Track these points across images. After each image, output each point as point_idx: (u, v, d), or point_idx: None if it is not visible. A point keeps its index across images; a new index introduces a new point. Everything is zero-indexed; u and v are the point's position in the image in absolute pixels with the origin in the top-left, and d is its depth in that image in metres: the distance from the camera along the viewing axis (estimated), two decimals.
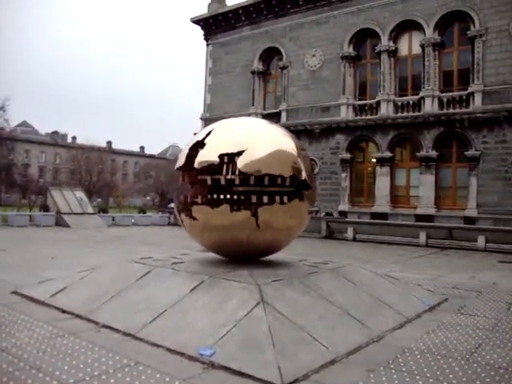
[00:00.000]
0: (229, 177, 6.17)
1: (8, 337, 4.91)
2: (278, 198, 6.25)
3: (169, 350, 4.59)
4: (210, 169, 6.25)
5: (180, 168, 6.70)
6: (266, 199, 6.18)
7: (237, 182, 6.13)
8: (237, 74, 28.16)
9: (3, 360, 4.23)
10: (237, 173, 6.08)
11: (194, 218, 6.45)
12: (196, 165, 6.28)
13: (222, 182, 6.20)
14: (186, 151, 6.59)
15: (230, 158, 6.11)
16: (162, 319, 5.21)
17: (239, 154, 6.02)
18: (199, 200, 6.41)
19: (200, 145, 6.36)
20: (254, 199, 6.16)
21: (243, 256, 6.90)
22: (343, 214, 23.16)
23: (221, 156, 6.11)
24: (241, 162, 5.98)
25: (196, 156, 6.32)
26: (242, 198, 6.22)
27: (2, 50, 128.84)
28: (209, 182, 6.33)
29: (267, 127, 7.00)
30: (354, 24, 23.71)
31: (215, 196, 6.45)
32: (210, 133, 6.42)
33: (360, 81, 24.36)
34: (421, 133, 21.42)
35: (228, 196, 6.31)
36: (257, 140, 6.31)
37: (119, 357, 4.38)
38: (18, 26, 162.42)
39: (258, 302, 5.08)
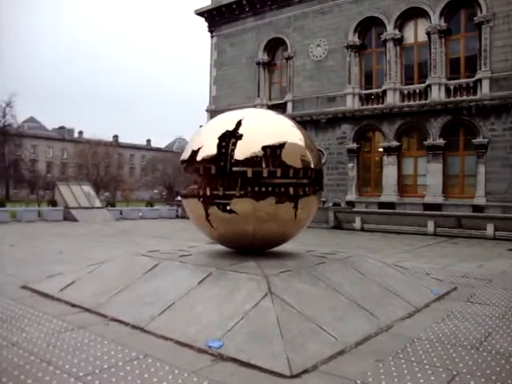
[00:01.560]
0: (270, 169, 6.13)
1: (18, 331, 4.94)
2: (307, 190, 6.44)
3: (177, 342, 4.60)
4: (250, 160, 6.10)
5: (207, 159, 6.26)
6: (301, 191, 6.34)
7: (278, 174, 6.17)
8: (242, 65, 28.06)
9: (14, 354, 4.26)
10: (276, 164, 6.14)
11: (231, 211, 6.16)
12: (238, 156, 6.08)
13: (265, 174, 6.13)
14: (211, 141, 6.23)
15: (271, 150, 6.13)
16: (170, 312, 5.22)
17: (281, 146, 6.12)
18: (237, 193, 6.12)
19: (232, 135, 6.16)
20: (291, 191, 6.25)
21: (258, 248, 6.95)
22: (351, 204, 23.10)
23: (264, 148, 6.08)
24: (284, 155, 6.10)
25: (226, 147, 6.12)
26: (283, 190, 6.22)
27: (9, 46, 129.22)
28: (249, 174, 6.11)
29: (284, 119, 7.00)
30: (358, 13, 23.51)
31: (254, 188, 6.16)
32: (239, 123, 6.22)
33: (366, 70, 24.20)
34: (428, 121, 21.27)
35: (270, 188, 6.17)
36: (290, 133, 6.47)
37: (128, 350, 4.40)
38: (25, 22, 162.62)
39: (266, 294, 5.07)
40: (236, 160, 6.09)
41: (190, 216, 7.06)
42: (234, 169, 6.13)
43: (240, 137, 6.13)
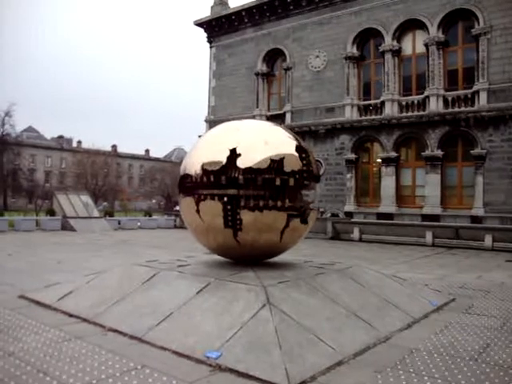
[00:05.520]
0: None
1: (15, 341, 4.92)
2: None
3: (175, 352, 4.58)
4: (313, 174, 6.57)
5: (296, 171, 6.17)
6: None
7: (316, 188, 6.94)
8: (241, 75, 28.18)
9: (11, 364, 4.24)
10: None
11: (306, 223, 6.50)
12: (314, 170, 6.55)
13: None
14: (291, 153, 6.20)
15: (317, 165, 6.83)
16: (168, 322, 5.20)
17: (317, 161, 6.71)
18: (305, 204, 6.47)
19: (300, 150, 6.35)
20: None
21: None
22: (349, 214, 23.10)
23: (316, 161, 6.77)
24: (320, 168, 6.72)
25: (299, 160, 6.29)
26: None
27: (8, 55, 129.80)
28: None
29: None
30: (357, 24, 23.67)
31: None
32: (296, 138, 6.59)
33: (364, 81, 24.32)
34: (426, 132, 21.34)
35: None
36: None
37: (126, 360, 4.38)
38: (24, 31, 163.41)
39: (264, 304, 5.06)
40: (309, 173, 6.43)
41: (258, 230, 6.16)
42: (305, 182, 6.44)
43: (307, 151, 6.47)
